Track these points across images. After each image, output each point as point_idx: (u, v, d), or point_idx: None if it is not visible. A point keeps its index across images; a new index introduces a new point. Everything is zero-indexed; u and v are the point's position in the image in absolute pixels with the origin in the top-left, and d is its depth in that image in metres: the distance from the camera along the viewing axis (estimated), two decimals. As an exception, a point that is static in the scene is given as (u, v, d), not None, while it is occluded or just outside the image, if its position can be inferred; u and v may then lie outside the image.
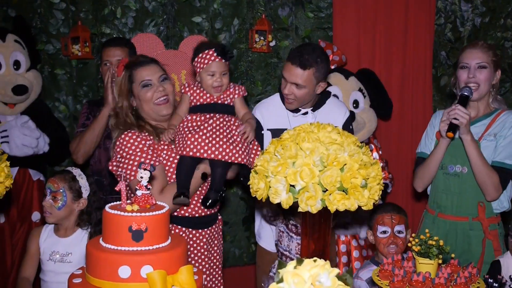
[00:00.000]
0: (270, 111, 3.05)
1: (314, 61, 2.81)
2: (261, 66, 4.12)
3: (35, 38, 3.93)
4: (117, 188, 1.94)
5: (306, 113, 3.02)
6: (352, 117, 3.26)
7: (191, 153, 2.59)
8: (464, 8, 4.14)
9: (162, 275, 1.73)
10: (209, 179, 2.73)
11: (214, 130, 2.62)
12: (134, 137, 2.63)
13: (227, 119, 2.69)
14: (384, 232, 2.79)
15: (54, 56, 4.04)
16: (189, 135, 2.60)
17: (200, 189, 2.74)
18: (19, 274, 2.88)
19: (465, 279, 2.07)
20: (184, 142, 2.61)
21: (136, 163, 2.57)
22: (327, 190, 1.88)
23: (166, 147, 2.69)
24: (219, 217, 2.95)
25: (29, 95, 3.61)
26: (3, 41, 3.58)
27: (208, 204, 2.67)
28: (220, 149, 2.59)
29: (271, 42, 3.99)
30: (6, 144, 3.42)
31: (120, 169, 2.60)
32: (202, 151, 2.58)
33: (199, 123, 2.64)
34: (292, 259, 2.72)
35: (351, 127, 3.16)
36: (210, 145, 2.58)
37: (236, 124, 2.71)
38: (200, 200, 2.72)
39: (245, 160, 2.65)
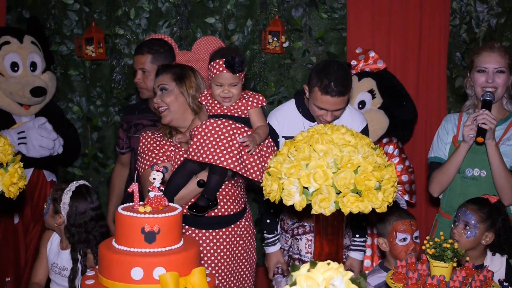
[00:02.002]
0: (286, 119, 2.97)
1: (349, 85, 2.75)
2: (274, 67, 4.11)
3: (49, 39, 3.96)
4: (129, 190, 1.95)
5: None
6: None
7: (189, 156, 2.62)
8: (479, 9, 4.09)
9: (174, 277, 1.73)
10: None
11: (224, 135, 2.59)
12: (146, 137, 2.84)
13: (242, 129, 2.64)
14: (404, 239, 2.72)
15: (67, 57, 4.07)
16: (195, 139, 2.63)
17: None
18: (31, 279, 2.87)
19: (480, 283, 2.05)
20: (191, 146, 2.64)
21: (144, 161, 2.78)
22: (340, 192, 1.87)
23: (173, 148, 2.80)
24: (245, 215, 2.93)
25: (46, 96, 3.64)
26: (21, 43, 3.61)
27: (194, 210, 2.63)
28: (219, 155, 2.57)
29: (285, 43, 3.97)
30: (24, 145, 3.44)
31: (137, 166, 2.83)
32: (198, 154, 2.59)
33: (210, 128, 2.62)
34: (304, 261, 2.71)
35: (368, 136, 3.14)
36: (206, 149, 2.58)
37: (247, 133, 2.67)
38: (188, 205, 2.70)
39: (243, 171, 2.61)
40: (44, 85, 3.60)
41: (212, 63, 2.66)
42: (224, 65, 2.61)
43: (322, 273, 1.33)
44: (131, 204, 1.94)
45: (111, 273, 1.80)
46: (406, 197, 3.51)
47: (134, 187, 1.94)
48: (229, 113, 2.69)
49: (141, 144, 2.84)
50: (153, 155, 2.78)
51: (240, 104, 2.70)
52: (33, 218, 3.68)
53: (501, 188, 2.81)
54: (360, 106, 3.54)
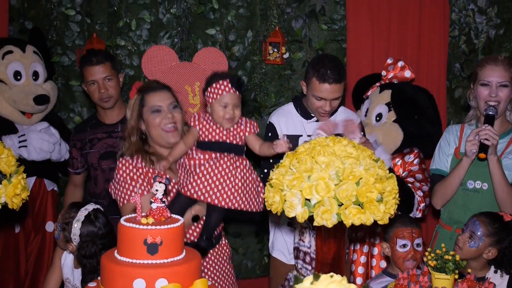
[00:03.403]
0: (285, 118, 3.13)
1: (344, 74, 2.94)
2: (275, 78, 4.13)
3: (50, 50, 3.98)
4: (132, 201, 1.95)
5: (319, 120, 3.06)
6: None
7: (188, 193, 2.58)
8: (478, 20, 4.12)
9: (177, 289, 1.73)
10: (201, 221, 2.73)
11: (221, 173, 2.57)
12: (127, 164, 2.68)
13: (237, 163, 2.64)
14: (404, 246, 2.71)
15: (69, 68, 4.09)
16: (195, 177, 2.57)
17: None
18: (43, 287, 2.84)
19: (482, 295, 2.06)
20: (184, 181, 2.60)
21: (125, 190, 2.64)
22: (342, 204, 1.87)
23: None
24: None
25: (48, 105, 3.66)
26: (24, 52, 3.63)
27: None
28: (220, 194, 2.56)
29: (285, 54, 3.99)
30: (25, 148, 3.45)
31: (114, 194, 2.70)
32: (199, 193, 2.56)
33: (205, 162, 2.59)
34: (313, 258, 2.69)
35: (362, 133, 3.17)
36: (209, 188, 2.56)
37: (247, 167, 2.68)
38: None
39: (247, 207, 2.62)
40: (46, 94, 3.62)
41: (214, 84, 2.61)
42: (229, 85, 2.60)
43: (325, 285, 1.34)
44: (133, 215, 1.95)
45: (113, 285, 1.80)
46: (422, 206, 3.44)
47: (136, 198, 1.95)
48: (227, 140, 2.65)
49: (120, 171, 2.67)
50: (137, 185, 2.64)
51: (239, 130, 2.67)
52: (34, 228, 3.68)
53: (502, 201, 2.81)
54: (378, 118, 3.45)
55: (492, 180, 2.81)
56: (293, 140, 3.01)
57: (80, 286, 2.65)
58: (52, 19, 4.02)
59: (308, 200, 1.90)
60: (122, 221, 1.89)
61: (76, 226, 2.57)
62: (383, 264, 3.34)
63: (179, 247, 1.89)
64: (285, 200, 1.95)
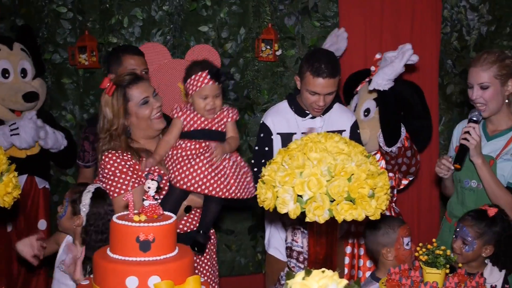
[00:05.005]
0: (279, 117, 3.11)
1: (338, 68, 2.94)
2: (268, 75, 4.13)
3: (40, 47, 3.96)
4: (124, 198, 1.95)
5: (314, 117, 3.06)
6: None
7: (184, 187, 2.58)
8: (470, 17, 4.13)
9: (169, 286, 1.73)
10: (194, 213, 2.73)
11: (210, 163, 2.59)
12: (114, 158, 2.62)
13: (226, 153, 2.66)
14: (408, 243, 2.68)
15: (61, 66, 4.07)
16: (184, 168, 2.58)
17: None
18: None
19: (473, 289, 2.07)
20: (178, 173, 2.60)
21: (115, 183, 2.59)
22: (334, 200, 1.88)
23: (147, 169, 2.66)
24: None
25: (38, 102, 3.65)
26: (11, 50, 3.61)
27: (197, 249, 2.65)
28: (217, 185, 2.58)
29: (278, 51, 3.99)
30: (17, 136, 3.44)
31: (104, 189, 2.63)
32: (196, 185, 2.57)
33: (193, 152, 2.61)
34: (306, 258, 2.70)
35: (358, 131, 3.21)
36: (205, 179, 2.57)
37: (235, 154, 2.71)
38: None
39: (243, 195, 2.65)
40: (35, 91, 3.61)
41: (193, 76, 2.63)
42: (208, 77, 2.60)
43: (317, 281, 1.35)
44: (126, 213, 1.95)
45: (106, 282, 1.80)
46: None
47: (128, 196, 1.94)
48: (213, 128, 2.68)
49: (108, 165, 2.62)
50: (128, 178, 2.61)
51: (222, 116, 2.71)
52: (26, 227, 3.66)
53: (496, 204, 2.76)
54: (366, 114, 3.44)
55: (483, 183, 2.78)
56: (287, 138, 3.01)
57: None
58: (43, 16, 4.00)
59: (300, 196, 1.91)
60: (114, 218, 1.89)
61: (87, 196, 2.58)
62: (370, 264, 3.35)
63: (171, 244, 1.89)
64: (277, 197, 1.96)
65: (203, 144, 2.62)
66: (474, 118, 2.79)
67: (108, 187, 2.62)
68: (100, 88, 4.01)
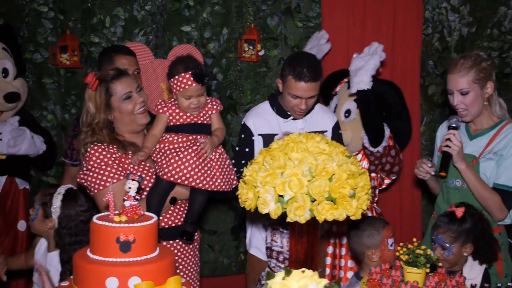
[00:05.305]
0: (261, 118, 3.11)
1: (320, 72, 2.93)
2: (250, 75, 4.13)
3: (21, 47, 3.93)
4: (105, 199, 1.93)
5: (296, 118, 3.06)
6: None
7: (172, 179, 2.58)
8: (451, 18, 4.17)
9: (150, 286, 1.72)
10: (180, 204, 2.73)
11: (198, 156, 2.59)
12: (100, 150, 2.61)
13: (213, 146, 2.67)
14: (392, 244, 2.70)
15: (42, 65, 4.04)
16: (172, 160, 2.58)
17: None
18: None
19: (453, 288, 2.08)
20: (166, 166, 2.59)
21: (99, 176, 2.57)
22: (315, 200, 1.88)
23: (129, 164, 2.66)
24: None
25: (19, 102, 3.62)
26: None
27: (185, 238, 2.65)
28: (204, 178, 2.58)
29: (260, 52, 4.00)
30: None
31: (86, 182, 2.61)
32: (184, 178, 2.57)
33: (180, 145, 2.61)
34: (286, 258, 2.70)
35: (339, 131, 3.22)
36: (193, 172, 2.56)
37: (222, 150, 2.73)
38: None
39: (227, 187, 2.67)
40: (17, 91, 3.58)
41: (177, 77, 2.62)
42: (191, 78, 2.59)
43: (296, 281, 1.35)
44: (106, 213, 1.94)
45: (85, 283, 1.79)
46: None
47: (109, 197, 1.93)
48: (199, 121, 2.69)
49: (93, 157, 2.58)
50: (113, 170, 2.58)
51: (207, 109, 2.72)
52: (5, 228, 3.63)
53: (484, 206, 2.79)
54: (346, 115, 3.44)
55: (468, 186, 2.80)
56: (269, 139, 3.01)
57: (51, 269, 2.64)
58: (24, 15, 3.97)
59: (282, 196, 1.91)
60: (94, 219, 1.87)
61: (57, 199, 2.61)
62: (351, 263, 3.36)
63: (152, 245, 1.88)
64: (259, 197, 1.96)
65: (190, 137, 2.63)
66: (453, 125, 2.82)
67: (92, 179, 2.58)
68: (81, 88, 4.02)
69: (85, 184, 2.62)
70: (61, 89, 4.06)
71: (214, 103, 2.75)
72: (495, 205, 2.77)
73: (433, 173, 2.92)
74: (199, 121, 2.70)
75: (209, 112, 2.72)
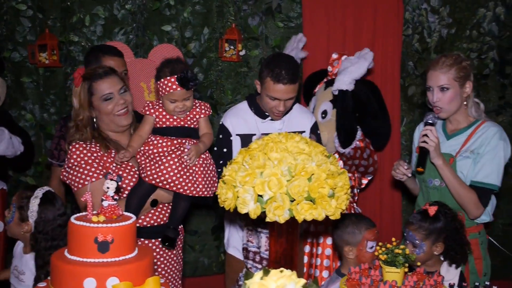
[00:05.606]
0: (239, 118, 3.10)
1: (298, 74, 2.92)
2: (231, 75, 4.13)
3: (0, 45, 3.88)
4: (83, 199, 1.92)
5: (273, 119, 3.07)
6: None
7: (153, 182, 2.57)
8: (431, 20, 4.21)
9: (128, 287, 1.71)
10: (162, 207, 2.72)
11: (181, 161, 2.58)
12: (81, 148, 2.61)
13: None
14: (372, 247, 2.71)
15: (20, 64, 3.99)
16: (156, 164, 2.57)
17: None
18: None
19: (431, 287, 2.10)
20: (149, 168, 2.58)
21: (79, 174, 2.56)
22: (294, 200, 1.89)
23: (111, 162, 2.65)
24: None
25: (-3, 101, 3.59)
26: None
27: (167, 244, 2.65)
28: (186, 183, 2.57)
29: (241, 51, 4.00)
30: None
31: (67, 180, 2.61)
32: (165, 182, 2.56)
33: (165, 149, 2.60)
34: (262, 258, 2.70)
35: (318, 131, 3.23)
36: (175, 177, 2.56)
37: (207, 155, 2.71)
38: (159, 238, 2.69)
39: (210, 193, 2.67)
40: (-6, 91, 3.54)
41: (163, 80, 2.60)
42: (176, 83, 2.58)
43: (275, 280, 1.35)
44: (84, 213, 1.92)
45: (63, 284, 1.77)
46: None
47: (87, 196, 1.91)
48: (186, 125, 2.68)
49: (74, 156, 2.59)
50: (93, 169, 2.58)
51: (194, 113, 2.70)
52: (-16, 229, 3.59)
53: (461, 203, 2.82)
54: (323, 116, 3.46)
55: (446, 183, 2.83)
56: (247, 139, 3.01)
57: (26, 272, 2.61)
58: (2, 13, 3.93)
59: (261, 196, 1.91)
60: (72, 219, 1.85)
61: (34, 202, 2.56)
62: (327, 263, 3.37)
63: (131, 245, 1.86)
64: (238, 197, 1.95)
65: (175, 142, 2.61)
66: (430, 121, 2.84)
67: (73, 177, 2.59)
68: (60, 88, 3.99)
69: (67, 181, 2.63)
70: (40, 88, 4.02)
71: (203, 107, 2.73)
72: (471, 202, 2.80)
73: (410, 175, 2.94)
74: (186, 125, 2.68)
75: (197, 116, 2.70)
